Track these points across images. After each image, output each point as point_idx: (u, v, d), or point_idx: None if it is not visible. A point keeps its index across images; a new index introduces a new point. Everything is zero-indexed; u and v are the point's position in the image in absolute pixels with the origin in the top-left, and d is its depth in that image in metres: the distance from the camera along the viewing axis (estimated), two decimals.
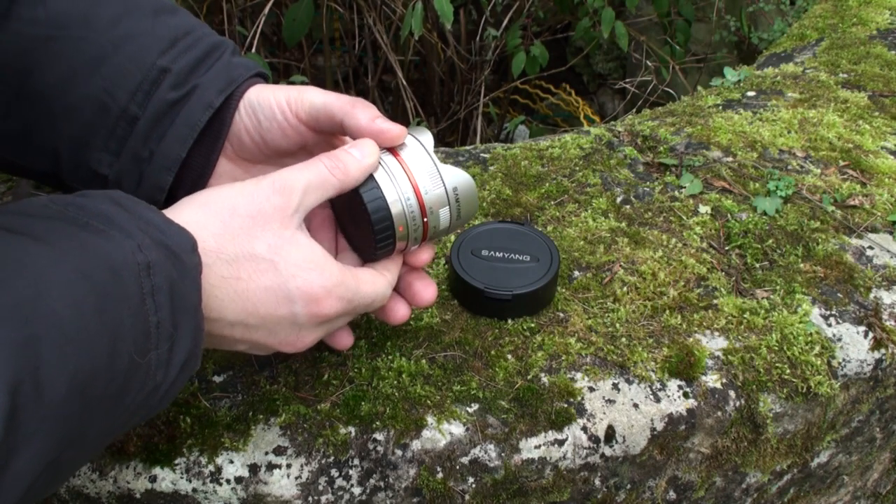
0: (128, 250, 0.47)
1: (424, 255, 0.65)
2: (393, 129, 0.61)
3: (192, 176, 0.64)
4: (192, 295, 0.50)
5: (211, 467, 0.63)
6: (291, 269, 0.55)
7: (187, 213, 0.54)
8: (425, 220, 0.61)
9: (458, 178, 0.62)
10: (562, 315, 0.76)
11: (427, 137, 0.63)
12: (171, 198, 0.65)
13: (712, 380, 0.71)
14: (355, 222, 0.63)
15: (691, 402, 0.70)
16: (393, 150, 0.62)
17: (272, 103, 0.63)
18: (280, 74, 2.07)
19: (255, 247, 0.54)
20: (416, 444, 0.65)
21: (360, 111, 0.61)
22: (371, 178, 0.60)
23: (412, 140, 0.63)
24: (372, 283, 0.60)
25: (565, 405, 0.68)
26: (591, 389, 0.69)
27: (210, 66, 0.63)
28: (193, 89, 0.62)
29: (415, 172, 0.61)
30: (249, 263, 0.54)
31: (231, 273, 0.53)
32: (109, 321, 0.45)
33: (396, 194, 0.60)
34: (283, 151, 0.65)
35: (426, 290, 0.66)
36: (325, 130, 0.64)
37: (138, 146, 0.62)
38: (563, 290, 0.78)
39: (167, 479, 0.63)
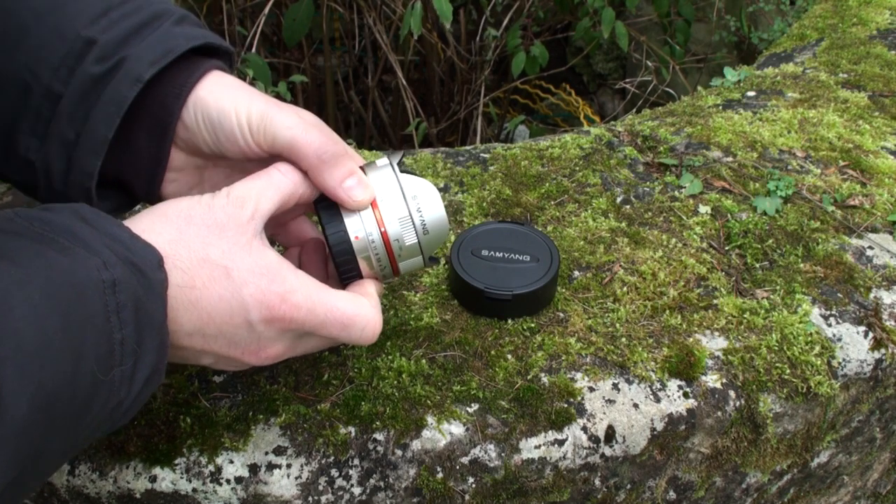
0: (93, 268, 0.46)
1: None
2: (359, 196, 0.58)
3: (146, 164, 0.61)
4: (157, 311, 0.49)
5: (211, 467, 0.63)
6: (244, 274, 0.53)
7: (144, 221, 0.53)
8: (387, 243, 0.60)
9: (424, 198, 0.60)
10: (562, 315, 0.76)
11: (396, 156, 0.62)
12: (128, 186, 0.63)
13: (712, 380, 0.71)
14: (327, 246, 0.62)
15: (691, 402, 0.70)
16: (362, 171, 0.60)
17: (233, 123, 0.58)
18: (280, 74, 2.07)
19: (209, 252, 0.52)
20: (416, 444, 0.65)
21: (328, 171, 0.58)
22: (336, 210, 0.59)
23: (383, 161, 0.61)
24: (350, 301, 0.56)
25: (565, 405, 0.68)
26: (591, 389, 0.69)
27: (146, 36, 0.57)
28: (121, 62, 0.56)
29: (378, 196, 0.59)
30: (203, 270, 0.52)
31: (185, 282, 0.52)
32: (73, 340, 0.44)
33: (358, 220, 0.59)
34: (243, 160, 0.63)
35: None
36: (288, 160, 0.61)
37: (64, 128, 0.57)
38: (563, 290, 0.78)
39: (167, 479, 0.63)
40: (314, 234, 0.68)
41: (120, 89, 0.56)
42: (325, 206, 0.60)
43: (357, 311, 0.56)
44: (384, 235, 0.59)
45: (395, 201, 0.60)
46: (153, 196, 0.64)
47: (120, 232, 0.49)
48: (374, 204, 0.59)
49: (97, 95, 0.56)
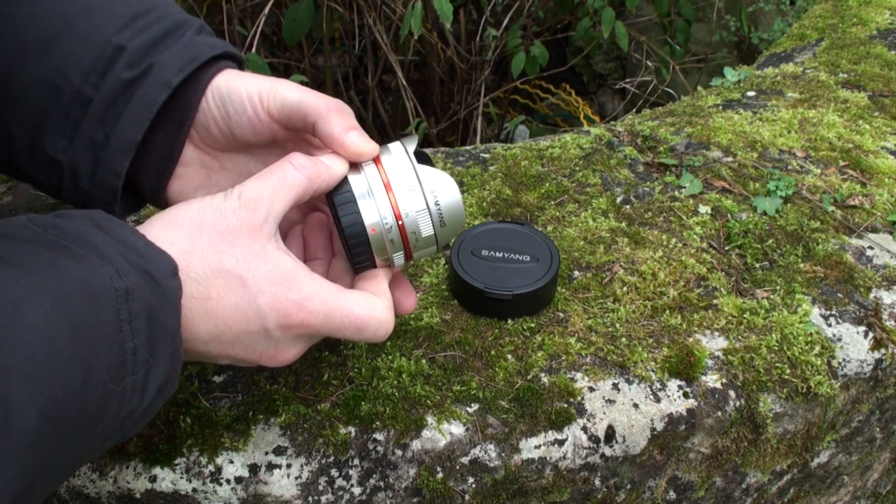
0: (105, 276, 0.46)
1: (409, 301, 0.64)
2: (363, 146, 0.58)
3: (157, 162, 0.62)
4: (170, 320, 0.49)
5: (211, 467, 0.63)
6: (260, 283, 0.53)
7: (157, 230, 0.52)
8: (403, 234, 0.59)
9: (441, 190, 0.59)
10: (562, 315, 0.76)
11: (411, 143, 0.60)
12: (136, 186, 0.64)
13: (712, 380, 0.71)
14: (339, 233, 0.61)
15: (691, 402, 0.70)
16: (376, 158, 0.60)
17: (243, 95, 0.60)
18: (280, 74, 2.07)
19: (223, 261, 0.52)
20: (416, 444, 0.65)
21: (335, 118, 0.58)
22: (350, 192, 0.58)
23: (397, 147, 0.60)
24: (365, 303, 0.57)
25: (565, 405, 0.68)
26: (591, 389, 0.69)
27: (171, 44, 0.60)
28: (150, 68, 0.59)
29: (394, 186, 0.58)
30: (218, 280, 0.52)
31: (201, 293, 0.51)
32: (84, 350, 0.44)
33: (374, 210, 0.58)
34: (252, 144, 0.64)
35: (406, 299, 0.64)
36: (296, 129, 0.62)
37: (93, 130, 0.59)
38: (563, 290, 0.78)
39: (167, 479, 0.63)
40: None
41: (150, 93, 0.59)
42: (340, 196, 0.59)
43: (371, 313, 0.57)
44: (401, 229, 0.59)
45: (412, 191, 0.59)
46: (159, 195, 0.64)
47: (134, 239, 0.49)
48: (388, 187, 0.58)
49: (127, 99, 0.59)
